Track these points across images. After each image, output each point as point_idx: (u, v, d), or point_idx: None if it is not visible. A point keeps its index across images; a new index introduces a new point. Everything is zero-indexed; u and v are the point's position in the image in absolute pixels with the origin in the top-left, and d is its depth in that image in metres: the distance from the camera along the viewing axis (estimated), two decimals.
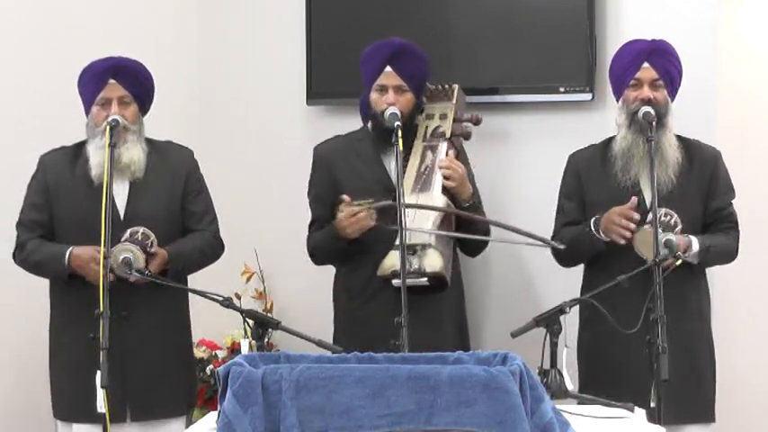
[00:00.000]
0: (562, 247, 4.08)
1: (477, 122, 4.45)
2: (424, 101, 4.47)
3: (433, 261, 4.14)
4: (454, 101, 4.46)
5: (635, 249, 4.03)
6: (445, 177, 4.25)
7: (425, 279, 4.13)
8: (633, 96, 4.18)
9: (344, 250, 4.32)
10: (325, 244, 4.35)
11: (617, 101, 4.29)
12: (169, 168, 4.31)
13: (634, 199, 4.09)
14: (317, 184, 4.46)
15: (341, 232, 4.24)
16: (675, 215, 4.09)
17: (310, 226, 4.44)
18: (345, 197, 4.23)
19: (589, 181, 4.31)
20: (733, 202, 4.29)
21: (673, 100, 4.24)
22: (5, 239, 4.37)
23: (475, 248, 4.49)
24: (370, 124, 4.45)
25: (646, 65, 4.19)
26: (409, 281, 4.02)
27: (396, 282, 4.00)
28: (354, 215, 4.18)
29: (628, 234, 4.06)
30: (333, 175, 4.38)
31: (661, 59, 4.21)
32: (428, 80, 4.47)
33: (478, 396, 2.72)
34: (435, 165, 4.32)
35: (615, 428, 3.30)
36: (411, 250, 4.12)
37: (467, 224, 4.29)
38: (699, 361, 4.23)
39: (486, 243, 4.45)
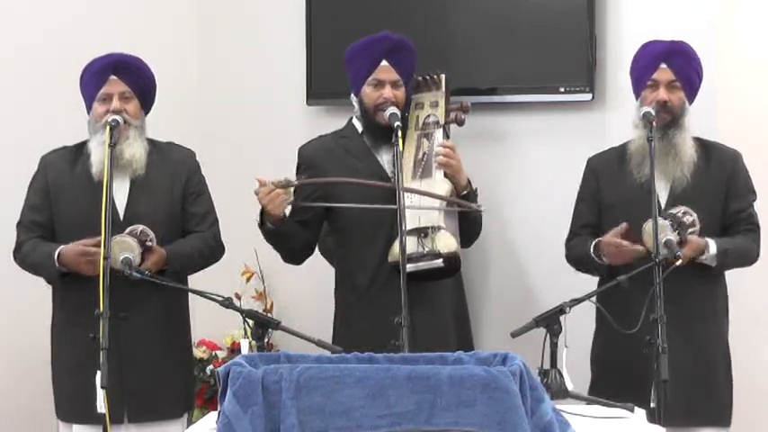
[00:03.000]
0: (483, 209, 4.16)
1: (466, 110, 4.43)
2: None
3: (448, 241, 4.12)
4: (443, 89, 4.46)
5: (643, 242, 4.01)
6: (443, 165, 4.23)
7: (441, 260, 4.11)
8: (650, 98, 4.17)
9: (287, 236, 4.24)
10: (266, 232, 4.26)
11: (636, 100, 4.27)
12: (170, 169, 4.30)
13: (624, 225, 4.08)
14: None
15: (266, 213, 4.17)
16: (695, 215, 4.08)
17: None
18: (260, 178, 4.17)
19: (606, 182, 4.30)
20: (755, 204, 4.26)
21: (692, 101, 4.23)
22: (6, 240, 4.37)
23: (468, 238, 4.46)
24: (358, 120, 4.41)
25: (663, 66, 4.18)
26: (424, 264, 4.02)
27: (409, 266, 3.93)
28: (270, 192, 4.11)
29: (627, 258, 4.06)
30: (322, 174, 4.33)
31: (679, 61, 4.19)
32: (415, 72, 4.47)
33: (478, 396, 2.72)
34: (433, 151, 4.31)
35: (615, 428, 3.30)
36: (423, 233, 4.12)
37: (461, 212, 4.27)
38: (711, 362, 4.18)
39: (478, 233, 4.42)
